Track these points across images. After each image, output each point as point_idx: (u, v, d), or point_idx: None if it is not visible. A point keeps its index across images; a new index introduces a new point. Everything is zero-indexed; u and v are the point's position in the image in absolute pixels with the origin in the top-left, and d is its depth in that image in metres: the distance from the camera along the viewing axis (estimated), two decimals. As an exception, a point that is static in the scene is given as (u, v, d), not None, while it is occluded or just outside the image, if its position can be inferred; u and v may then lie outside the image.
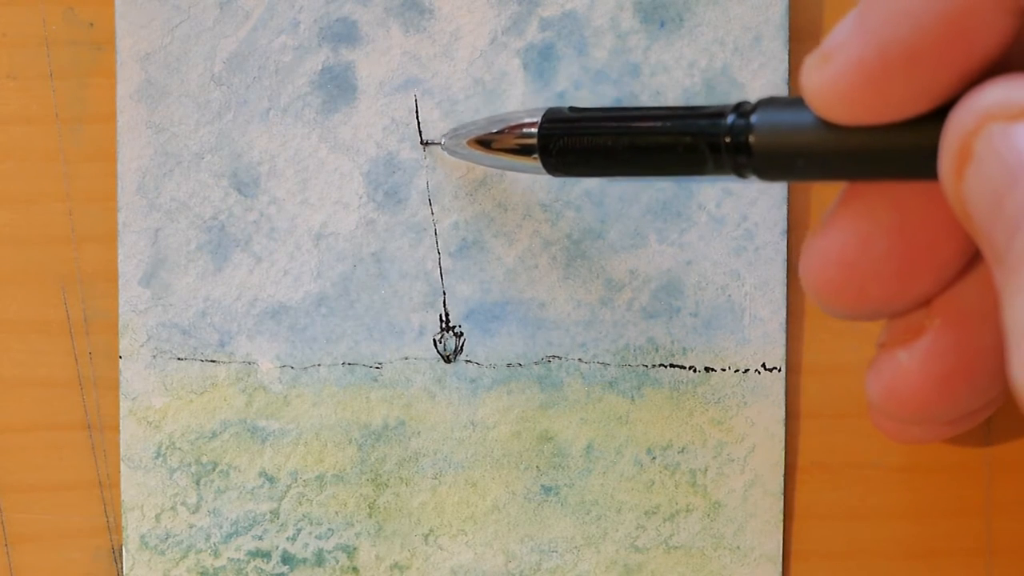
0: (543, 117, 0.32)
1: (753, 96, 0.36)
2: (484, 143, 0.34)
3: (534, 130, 0.32)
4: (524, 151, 0.33)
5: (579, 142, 0.32)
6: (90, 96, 0.37)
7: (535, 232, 0.36)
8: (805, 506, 0.37)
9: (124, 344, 0.37)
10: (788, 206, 0.36)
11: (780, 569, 0.36)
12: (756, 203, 0.36)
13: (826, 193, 0.36)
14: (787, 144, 0.27)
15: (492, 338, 0.36)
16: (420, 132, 0.36)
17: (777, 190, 0.36)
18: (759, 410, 0.36)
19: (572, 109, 0.32)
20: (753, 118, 0.28)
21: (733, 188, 0.36)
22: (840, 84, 0.26)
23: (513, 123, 0.33)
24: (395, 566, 0.37)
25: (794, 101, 0.27)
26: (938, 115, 0.25)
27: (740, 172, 0.28)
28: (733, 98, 0.36)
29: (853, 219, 0.28)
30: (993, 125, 0.24)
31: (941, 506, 0.37)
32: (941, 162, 0.25)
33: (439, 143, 0.36)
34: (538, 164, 0.32)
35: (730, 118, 0.28)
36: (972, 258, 0.28)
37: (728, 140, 0.28)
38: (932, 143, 0.25)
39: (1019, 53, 0.26)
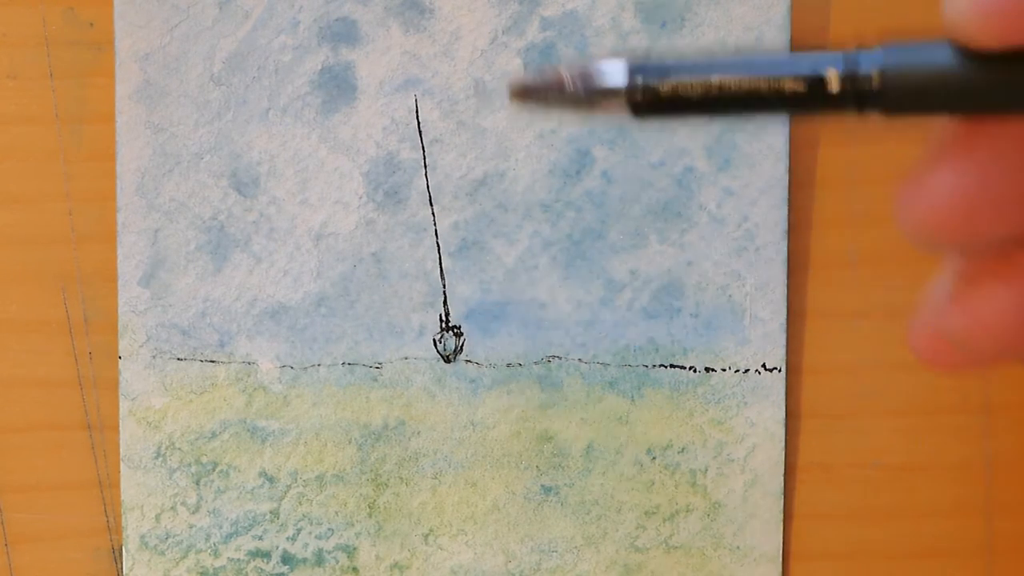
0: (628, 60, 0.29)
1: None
2: (555, 89, 0.31)
3: (620, 66, 0.30)
4: (603, 96, 0.30)
5: (677, 76, 0.30)
6: (90, 96, 0.37)
7: (535, 232, 0.36)
8: (805, 506, 0.37)
9: (124, 344, 0.37)
10: (788, 206, 0.36)
11: (780, 569, 0.36)
12: (757, 203, 0.36)
13: (829, 196, 0.36)
14: (920, 75, 0.27)
15: (492, 338, 0.36)
16: (419, 130, 0.36)
17: (777, 190, 0.36)
18: (759, 410, 0.36)
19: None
20: (877, 51, 0.27)
21: (734, 188, 0.36)
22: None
23: (590, 66, 0.31)
24: (395, 566, 0.37)
25: (922, 44, 0.27)
26: None
27: (862, 105, 0.27)
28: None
29: (971, 156, 0.27)
30: None
31: (941, 506, 0.37)
32: None
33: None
34: (621, 102, 0.30)
35: (854, 51, 0.27)
36: None
37: (856, 70, 0.26)
38: None
39: None
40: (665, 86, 0.29)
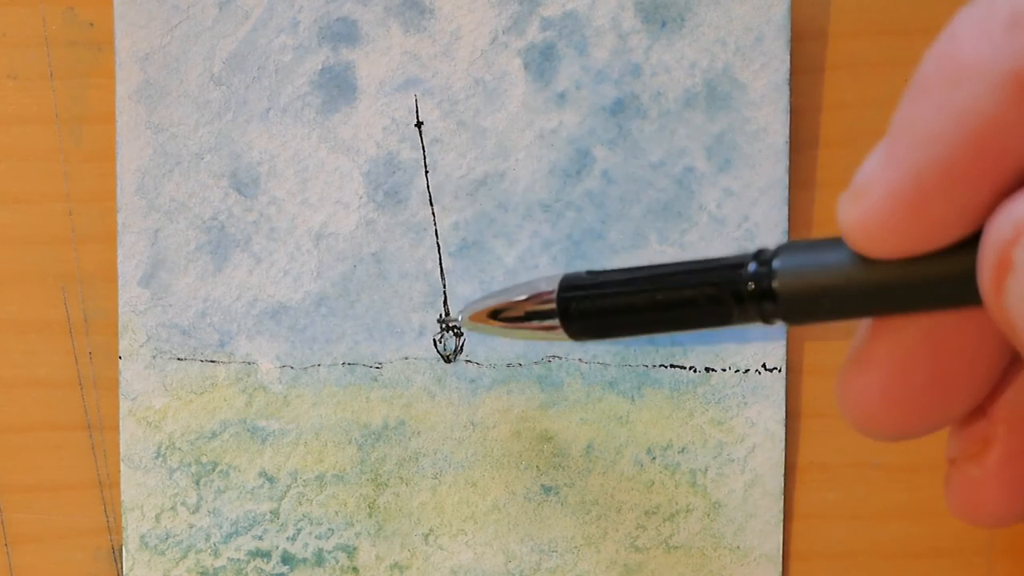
0: (560, 284, 0.32)
1: (755, 97, 0.36)
2: (503, 316, 0.34)
3: (552, 297, 0.32)
4: (544, 317, 0.32)
5: (599, 304, 0.31)
6: (90, 96, 0.37)
7: (535, 232, 0.36)
8: (805, 506, 0.37)
9: (124, 344, 0.37)
10: (789, 206, 0.36)
11: (780, 569, 0.36)
12: (757, 203, 0.36)
13: (829, 196, 0.36)
14: (813, 285, 0.27)
15: (492, 338, 0.36)
16: (421, 136, 0.36)
17: (777, 190, 0.36)
18: (759, 410, 0.36)
19: (590, 273, 0.32)
20: (775, 263, 0.28)
21: (734, 188, 0.36)
22: (878, 217, 0.25)
23: (530, 293, 0.32)
24: (395, 566, 0.37)
25: (814, 243, 0.27)
26: (977, 238, 0.25)
27: (766, 319, 0.28)
28: (735, 99, 0.36)
29: (887, 354, 0.28)
30: None
31: (941, 506, 0.37)
32: (981, 276, 0.24)
33: (456, 322, 0.36)
34: (560, 331, 0.32)
35: (751, 266, 0.28)
36: (1012, 361, 0.28)
37: (752, 288, 0.28)
38: (972, 267, 0.25)
39: None
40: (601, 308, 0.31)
